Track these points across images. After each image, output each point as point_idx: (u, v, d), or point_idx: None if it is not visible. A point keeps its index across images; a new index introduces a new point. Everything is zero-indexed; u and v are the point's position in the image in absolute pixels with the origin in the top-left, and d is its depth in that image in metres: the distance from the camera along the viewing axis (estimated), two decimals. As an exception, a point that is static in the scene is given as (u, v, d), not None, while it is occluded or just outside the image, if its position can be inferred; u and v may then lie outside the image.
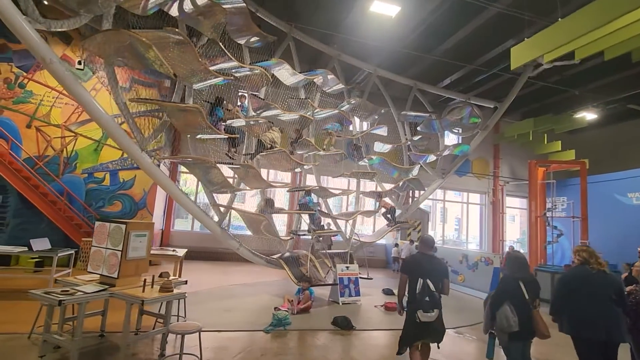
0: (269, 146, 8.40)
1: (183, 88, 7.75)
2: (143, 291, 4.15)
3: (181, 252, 8.47)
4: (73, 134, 10.56)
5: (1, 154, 9.50)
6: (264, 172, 12.23)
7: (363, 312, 7.40)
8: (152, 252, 8.18)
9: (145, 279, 4.21)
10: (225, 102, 7.67)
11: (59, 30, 5.22)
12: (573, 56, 7.49)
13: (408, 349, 3.99)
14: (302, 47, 10.99)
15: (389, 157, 11.18)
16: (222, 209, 7.97)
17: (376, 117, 11.24)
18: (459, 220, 18.32)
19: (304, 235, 9.06)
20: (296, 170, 10.78)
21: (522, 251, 15.63)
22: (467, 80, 13.22)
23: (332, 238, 9.98)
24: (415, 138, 11.54)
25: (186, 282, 5.09)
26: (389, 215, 10.20)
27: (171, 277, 5.19)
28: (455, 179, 16.35)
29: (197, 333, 4.07)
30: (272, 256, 8.54)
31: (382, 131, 11.02)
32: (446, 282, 4.01)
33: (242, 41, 8.84)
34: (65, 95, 10.51)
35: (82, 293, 3.94)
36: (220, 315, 6.29)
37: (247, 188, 8.61)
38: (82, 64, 10.67)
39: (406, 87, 12.47)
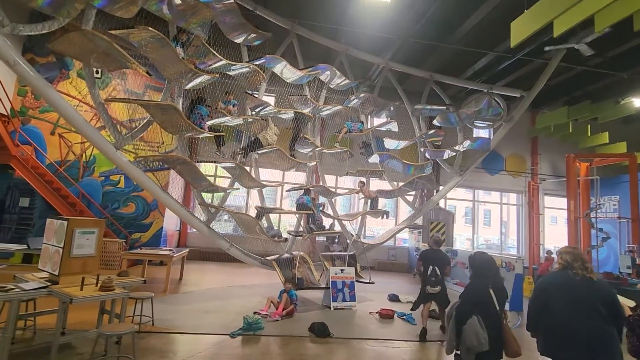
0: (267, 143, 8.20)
1: (172, 88, 7.77)
2: (81, 289, 4.03)
3: (178, 251, 8.54)
4: (91, 139, 11.10)
5: (27, 160, 10.22)
6: (277, 172, 11.99)
7: (354, 319, 6.85)
8: (144, 251, 8.34)
9: (83, 277, 4.09)
10: (207, 99, 7.54)
11: (28, 34, 5.35)
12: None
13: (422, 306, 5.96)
14: (311, 44, 10.69)
15: (400, 153, 10.48)
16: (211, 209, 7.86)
17: (392, 108, 10.59)
18: (505, 222, 16.76)
19: (300, 236, 8.67)
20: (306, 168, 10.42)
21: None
22: (491, 70, 12.02)
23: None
24: (430, 132, 10.68)
25: (145, 281, 4.94)
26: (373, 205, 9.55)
27: (131, 276, 5.10)
28: (487, 177, 15.06)
29: (132, 334, 3.87)
30: (267, 257, 8.26)
31: (392, 126, 10.36)
32: (447, 268, 5.93)
33: (239, 40, 8.73)
34: (85, 103, 11.14)
35: (19, 290, 3.91)
36: (195, 317, 6.10)
37: (237, 187, 8.44)
38: (99, 72, 11.21)
39: (423, 81, 11.67)
